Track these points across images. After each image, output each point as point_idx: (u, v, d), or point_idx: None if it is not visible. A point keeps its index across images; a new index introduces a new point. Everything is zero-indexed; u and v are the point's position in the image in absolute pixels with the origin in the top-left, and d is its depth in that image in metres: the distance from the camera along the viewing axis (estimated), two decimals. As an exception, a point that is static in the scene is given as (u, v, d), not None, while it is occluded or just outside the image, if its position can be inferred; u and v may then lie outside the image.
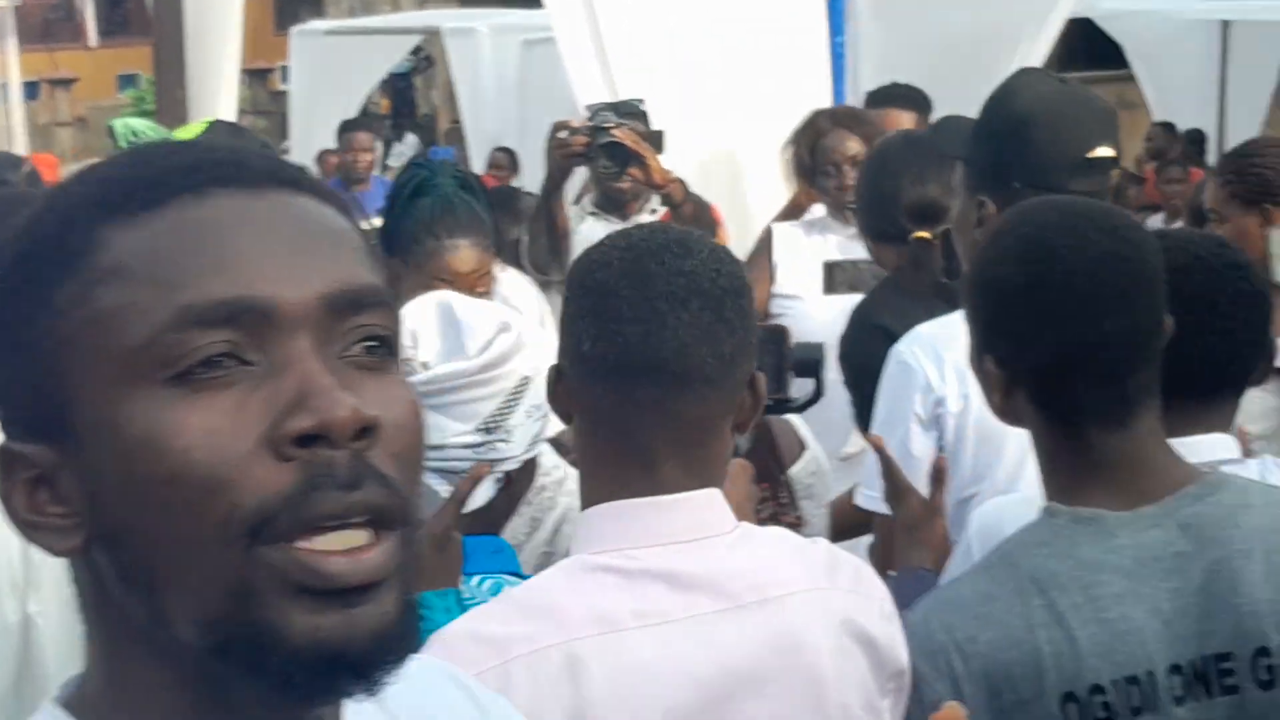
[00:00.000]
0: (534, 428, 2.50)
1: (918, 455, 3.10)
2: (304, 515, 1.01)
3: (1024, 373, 2.20)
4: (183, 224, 1.04)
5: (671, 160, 5.08)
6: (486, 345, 2.47)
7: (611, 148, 4.84)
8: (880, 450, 2.68)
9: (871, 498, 3.12)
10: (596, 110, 5.03)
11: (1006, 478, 3.08)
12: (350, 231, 1.11)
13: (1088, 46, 14.16)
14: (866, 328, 3.75)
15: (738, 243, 5.21)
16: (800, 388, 2.53)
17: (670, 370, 1.90)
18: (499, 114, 12.25)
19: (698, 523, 1.95)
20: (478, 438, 2.46)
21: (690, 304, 1.91)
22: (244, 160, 1.09)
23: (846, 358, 3.76)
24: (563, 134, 4.95)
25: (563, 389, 1.99)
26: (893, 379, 3.25)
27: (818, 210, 5.06)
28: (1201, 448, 2.39)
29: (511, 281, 4.29)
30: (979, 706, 2.11)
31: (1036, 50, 7.20)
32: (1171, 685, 2.10)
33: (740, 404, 1.98)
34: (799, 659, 1.96)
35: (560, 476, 2.85)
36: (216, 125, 4.90)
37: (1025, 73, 3.41)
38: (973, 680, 2.13)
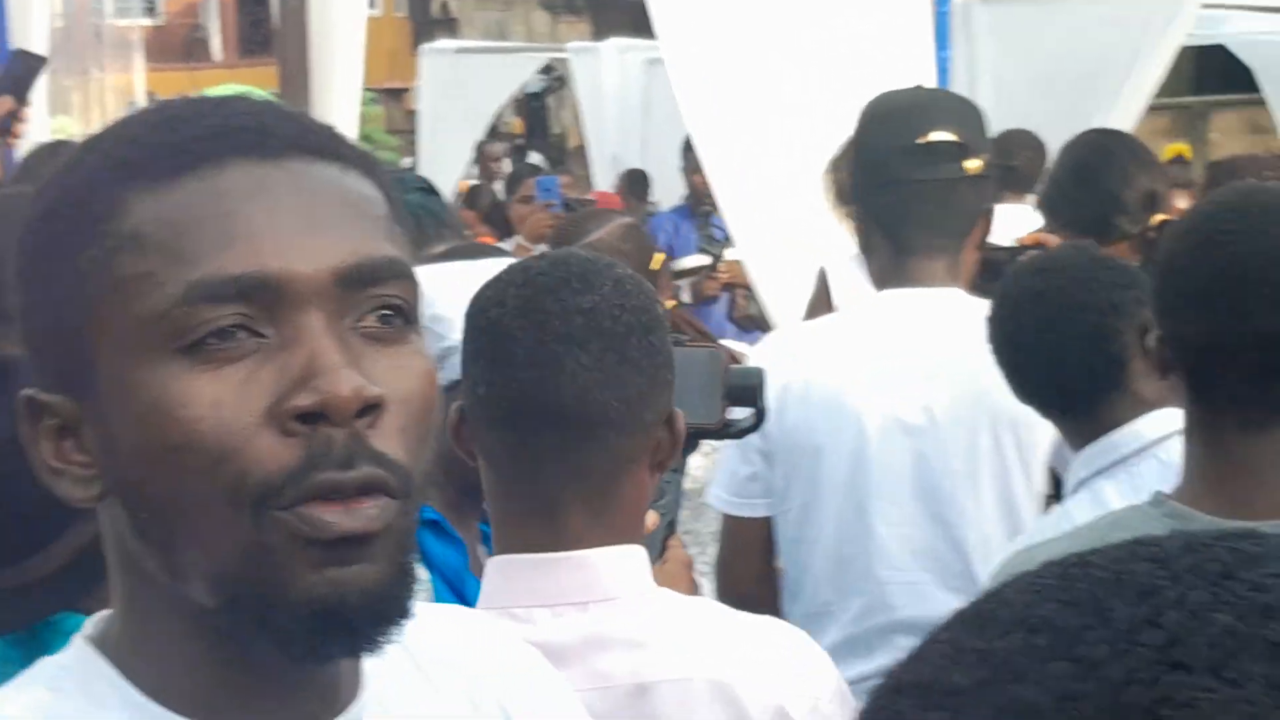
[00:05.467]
0: None
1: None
2: (305, 490, 1.03)
3: (1180, 355, 2.13)
4: (200, 195, 1.05)
5: (775, 173, 5.05)
6: None
7: None
8: None
9: (721, 498, 3.06)
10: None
11: (812, 493, 2.98)
12: (372, 200, 1.10)
13: (1219, 70, 14.00)
14: None
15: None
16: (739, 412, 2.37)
17: (570, 417, 1.77)
18: (622, 133, 12.29)
19: (595, 582, 1.80)
20: None
21: (590, 346, 1.77)
22: (267, 127, 1.09)
23: None
24: None
25: (465, 430, 1.86)
26: None
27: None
28: None
29: None
30: None
31: (1151, 71, 7.16)
32: None
33: (657, 445, 1.84)
34: None
35: None
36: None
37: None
38: None
